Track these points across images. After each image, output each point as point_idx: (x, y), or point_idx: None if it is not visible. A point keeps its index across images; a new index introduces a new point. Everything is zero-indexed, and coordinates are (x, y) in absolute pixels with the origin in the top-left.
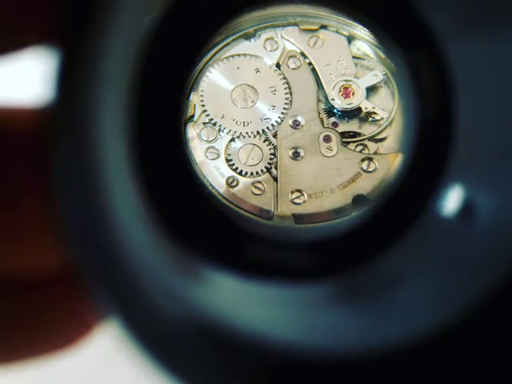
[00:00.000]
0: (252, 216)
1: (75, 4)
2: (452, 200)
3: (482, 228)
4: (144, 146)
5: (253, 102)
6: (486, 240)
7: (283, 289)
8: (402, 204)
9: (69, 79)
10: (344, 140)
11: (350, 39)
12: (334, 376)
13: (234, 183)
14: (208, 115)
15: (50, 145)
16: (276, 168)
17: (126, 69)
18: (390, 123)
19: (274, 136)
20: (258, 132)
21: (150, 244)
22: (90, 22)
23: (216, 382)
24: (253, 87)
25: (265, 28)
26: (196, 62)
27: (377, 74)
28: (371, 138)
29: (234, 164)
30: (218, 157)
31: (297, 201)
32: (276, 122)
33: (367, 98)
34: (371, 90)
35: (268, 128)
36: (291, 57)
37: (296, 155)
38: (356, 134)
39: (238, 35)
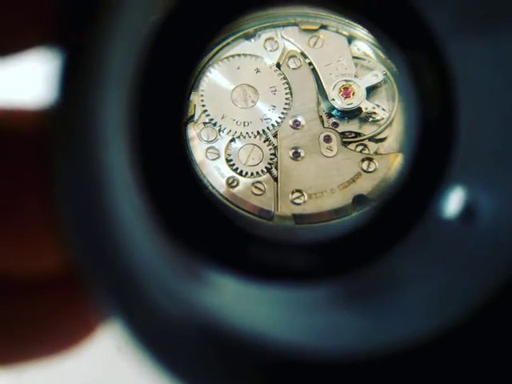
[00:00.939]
0: (252, 216)
1: (77, 5)
2: (453, 201)
3: (484, 229)
4: (145, 147)
5: (253, 102)
6: (488, 241)
7: (284, 290)
8: (403, 205)
9: (71, 80)
10: (344, 140)
11: (350, 39)
12: (334, 377)
13: (235, 183)
14: (208, 115)
15: (52, 146)
16: (276, 168)
17: (128, 70)
18: (391, 123)
19: (275, 136)
20: (258, 132)
21: (151, 245)
22: (92, 24)
23: (217, 382)
24: (253, 87)
25: (265, 28)
26: (197, 63)
27: (377, 73)
28: (371, 138)
29: (234, 164)
30: (218, 157)
31: (297, 201)
32: (276, 122)
33: (367, 98)
34: (371, 90)
35: (268, 128)
36: (291, 57)
37: (296, 155)
38: (356, 134)
39: (238, 35)
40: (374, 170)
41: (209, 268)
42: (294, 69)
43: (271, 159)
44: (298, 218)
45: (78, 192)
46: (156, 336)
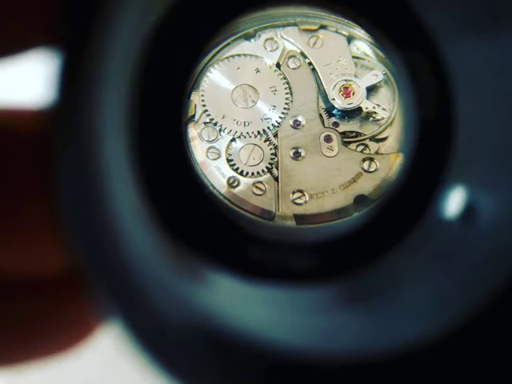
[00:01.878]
0: (253, 216)
1: (77, 6)
2: (454, 202)
3: (484, 230)
4: (145, 147)
5: (253, 102)
6: (488, 241)
7: (284, 291)
8: (403, 206)
9: (71, 80)
10: (345, 140)
11: (350, 39)
12: (334, 378)
13: (235, 183)
14: (209, 115)
15: (53, 146)
16: (277, 168)
17: (128, 70)
18: (391, 123)
19: (275, 136)
20: (258, 132)
21: (151, 245)
22: (91, 24)
23: (216, 383)
24: (253, 87)
25: (265, 28)
26: (197, 63)
27: (377, 73)
28: (372, 138)
29: (234, 164)
30: (218, 157)
31: (298, 201)
32: (276, 121)
33: (367, 97)
34: (371, 89)
35: (269, 128)
36: (291, 57)
37: (297, 155)
38: (357, 134)
39: (238, 35)
40: (375, 169)
41: (209, 268)
42: (293, 69)
43: (272, 159)
44: (298, 218)
45: (79, 193)
46: (156, 336)
